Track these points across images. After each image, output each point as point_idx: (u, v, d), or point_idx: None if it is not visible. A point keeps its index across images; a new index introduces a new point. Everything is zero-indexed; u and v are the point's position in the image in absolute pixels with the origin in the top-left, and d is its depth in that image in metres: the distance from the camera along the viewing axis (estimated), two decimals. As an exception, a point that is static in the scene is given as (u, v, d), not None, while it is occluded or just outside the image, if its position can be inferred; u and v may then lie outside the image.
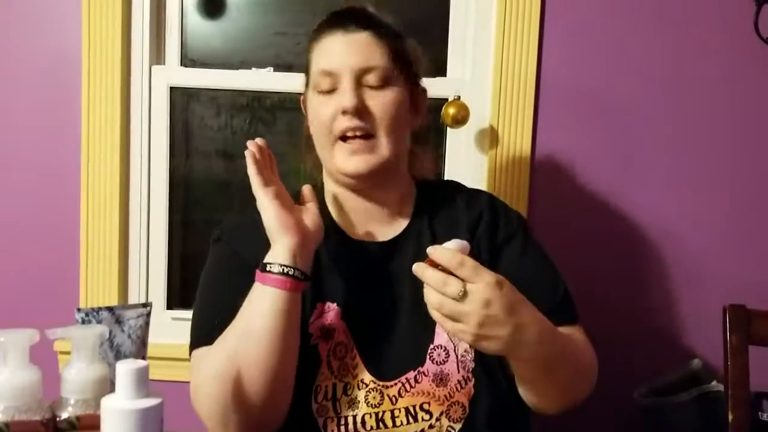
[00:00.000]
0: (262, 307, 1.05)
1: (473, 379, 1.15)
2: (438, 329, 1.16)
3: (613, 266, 1.84)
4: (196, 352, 1.14)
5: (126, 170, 1.89)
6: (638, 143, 1.82)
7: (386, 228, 1.26)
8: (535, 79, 1.80)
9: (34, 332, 0.82)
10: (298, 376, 1.11)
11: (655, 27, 1.80)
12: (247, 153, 1.14)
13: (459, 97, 1.77)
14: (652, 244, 1.84)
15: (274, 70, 1.90)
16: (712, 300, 1.76)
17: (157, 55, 1.91)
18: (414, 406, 1.14)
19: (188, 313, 1.90)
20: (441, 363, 1.15)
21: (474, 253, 1.06)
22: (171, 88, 1.91)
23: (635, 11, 1.79)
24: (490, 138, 1.82)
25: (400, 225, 1.26)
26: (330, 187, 1.28)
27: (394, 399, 1.14)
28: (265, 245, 1.10)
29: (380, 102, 1.17)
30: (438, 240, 1.14)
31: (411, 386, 1.14)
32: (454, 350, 1.16)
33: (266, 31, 1.95)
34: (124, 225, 1.90)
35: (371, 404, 1.14)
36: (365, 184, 1.22)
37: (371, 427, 1.13)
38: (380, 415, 1.13)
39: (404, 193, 1.29)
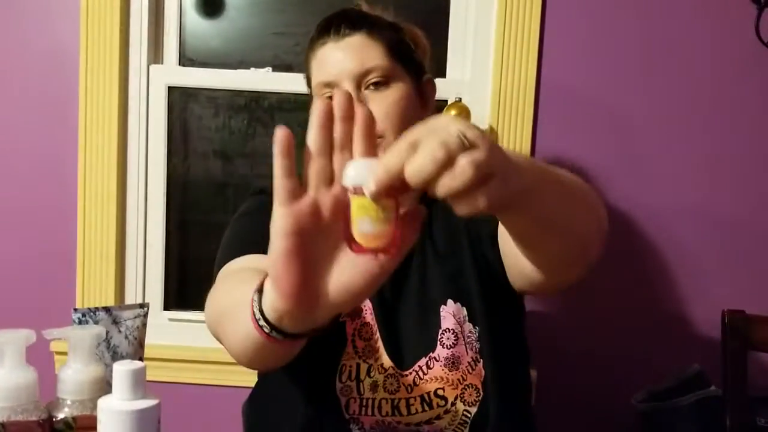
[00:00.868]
0: (247, 322, 0.77)
1: (482, 360, 1.14)
2: (443, 312, 1.15)
3: (611, 270, 1.84)
4: (221, 272, 1.11)
5: (123, 170, 1.89)
6: (638, 144, 1.82)
7: None
8: (535, 80, 1.79)
9: (31, 333, 0.81)
10: (322, 353, 1.10)
11: (656, 29, 1.79)
12: (275, 138, 0.66)
13: (460, 99, 1.77)
14: (651, 247, 1.84)
15: (272, 70, 1.90)
16: (711, 305, 1.76)
17: (155, 55, 1.91)
18: (429, 393, 1.13)
19: (185, 314, 1.92)
20: (451, 347, 1.14)
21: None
22: (169, 87, 1.90)
23: (636, 13, 1.79)
24: (489, 140, 1.82)
25: None
26: None
27: (409, 388, 1.13)
28: None
29: (384, 102, 1.14)
30: (435, 228, 1.16)
31: (424, 373, 1.14)
32: (461, 332, 1.15)
33: (265, 31, 1.95)
34: (121, 225, 1.89)
35: (388, 390, 1.13)
36: None
37: (386, 413, 1.13)
38: (396, 402, 1.13)
39: None
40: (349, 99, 0.66)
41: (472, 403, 1.13)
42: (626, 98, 1.81)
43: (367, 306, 1.16)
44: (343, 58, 1.14)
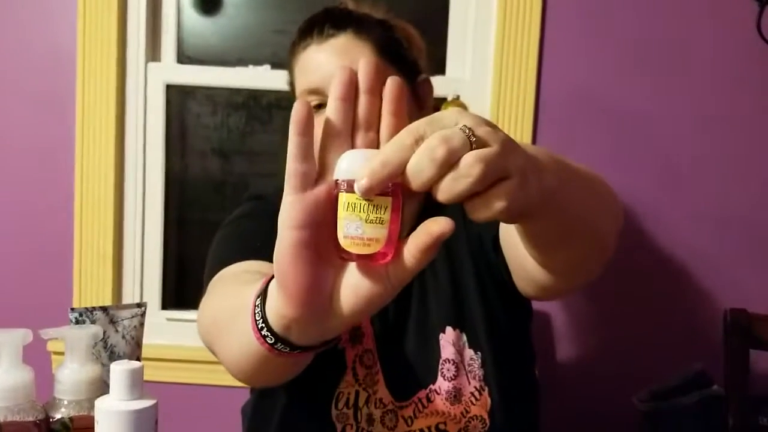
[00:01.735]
0: (247, 331, 0.68)
1: (487, 388, 1.09)
2: (442, 341, 1.10)
3: (612, 269, 1.83)
4: (214, 279, 1.01)
5: (121, 168, 1.88)
6: (639, 144, 1.81)
7: None
8: (536, 78, 1.79)
9: (27, 332, 0.81)
10: (319, 379, 1.06)
11: (657, 27, 1.79)
12: (293, 113, 0.57)
13: (458, 97, 1.76)
14: (652, 246, 1.83)
15: (271, 68, 1.89)
16: (713, 304, 1.75)
17: (153, 52, 1.90)
18: (429, 428, 1.08)
19: (183, 314, 1.91)
20: (452, 378, 1.08)
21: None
22: (167, 85, 1.89)
23: (636, 11, 1.78)
24: (489, 138, 1.81)
25: None
26: None
27: (409, 420, 1.08)
28: None
29: None
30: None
31: (424, 406, 1.08)
32: (461, 361, 1.09)
33: (263, 29, 1.94)
34: (118, 224, 1.88)
35: (387, 426, 1.08)
36: None
37: None
38: None
39: None
40: (376, 68, 0.58)
41: None
42: (627, 96, 1.80)
43: (368, 330, 1.10)
44: (327, 61, 1.06)
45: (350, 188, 0.53)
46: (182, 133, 1.96)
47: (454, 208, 0.57)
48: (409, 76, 1.11)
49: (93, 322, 0.97)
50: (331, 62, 1.06)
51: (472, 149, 0.52)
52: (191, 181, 1.99)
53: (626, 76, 1.80)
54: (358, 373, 1.09)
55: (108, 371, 0.74)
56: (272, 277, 0.63)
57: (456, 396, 1.08)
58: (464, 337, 1.10)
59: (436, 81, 1.22)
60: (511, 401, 1.10)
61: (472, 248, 1.12)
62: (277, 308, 0.61)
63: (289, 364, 0.71)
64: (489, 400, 1.08)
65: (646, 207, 1.82)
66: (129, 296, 1.91)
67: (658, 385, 1.71)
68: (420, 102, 1.15)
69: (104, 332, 0.96)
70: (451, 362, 1.09)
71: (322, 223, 0.56)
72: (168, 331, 1.90)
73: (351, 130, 0.58)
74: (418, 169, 0.51)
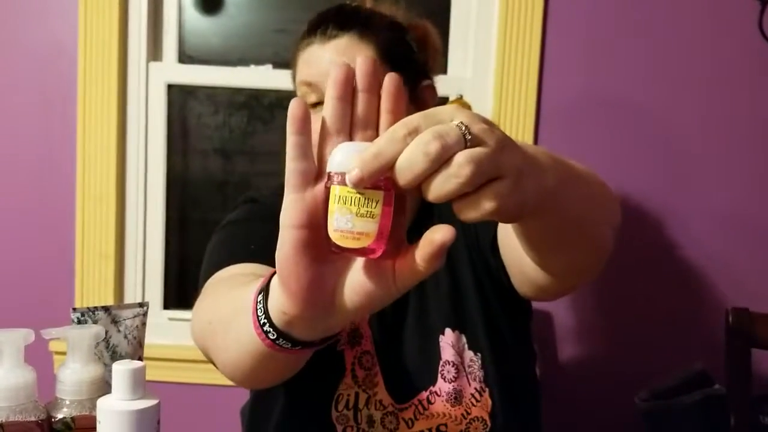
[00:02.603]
0: (247, 329, 0.68)
1: (487, 389, 1.09)
2: (442, 342, 1.10)
3: (614, 269, 1.83)
4: (208, 281, 1.02)
5: (122, 168, 1.88)
6: (640, 144, 1.81)
7: None
8: (537, 77, 1.79)
9: (29, 332, 0.80)
10: (318, 381, 1.06)
11: (658, 26, 1.79)
12: (289, 112, 0.59)
13: (461, 96, 1.76)
14: (654, 246, 1.83)
15: (272, 68, 1.89)
16: (714, 303, 1.75)
17: (155, 52, 1.90)
18: (430, 429, 1.08)
19: (185, 314, 1.91)
20: (452, 380, 1.08)
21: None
22: (168, 85, 1.89)
23: (638, 10, 1.78)
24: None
25: None
26: None
27: (410, 422, 1.08)
28: None
29: None
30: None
31: (424, 408, 1.08)
32: (461, 363, 1.09)
33: (265, 28, 1.94)
34: (120, 224, 1.88)
35: (387, 428, 1.08)
36: None
37: None
38: None
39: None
40: (373, 65, 0.57)
41: None
42: (629, 95, 1.80)
43: (366, 332, 1.11)
44: (328, 59, 1.06)
45: (343, 181, 0.53)
46: (184, 132, 1.96)
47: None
48: (411, 80, 1.09)
49: (95, 321, 0.97)
50: (330, 61, 1.06)
51: (466, 146, 0.51)
52: (193, 180, 1.99)
53: (628, 73, 1.80)
54: (357, 375, 1.09)
55: (110, 371, 0.74)
56: (273, 273, 0.63)
57: (456, 398, 1.08)
58: (464, 339, 1.10)
59: (438, 80, 1.21)
60: (512, 402, 1.10)
61: (470, 250, 1.12)
62: (280, 305, 0.62)
63: (289, 361, 0.71)
64: (490, 402, 1.08)
65: (647, 207, 1.82)
66: (131, 296, 1.91)
67: (659, 384, 1.71)
68: (420, 107, 1.13)
69: (106, 332, 0.96)
70: (451, 364, 1.09)
71: (322, 221, 0.56)
72: (170, 331, 1.90)
73: (350, 128, 0.58)
74: (409, 163, 0.50)
